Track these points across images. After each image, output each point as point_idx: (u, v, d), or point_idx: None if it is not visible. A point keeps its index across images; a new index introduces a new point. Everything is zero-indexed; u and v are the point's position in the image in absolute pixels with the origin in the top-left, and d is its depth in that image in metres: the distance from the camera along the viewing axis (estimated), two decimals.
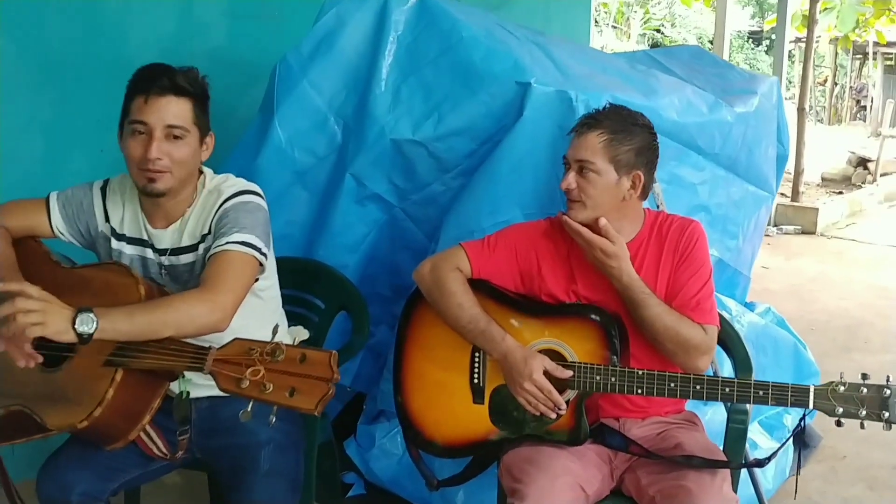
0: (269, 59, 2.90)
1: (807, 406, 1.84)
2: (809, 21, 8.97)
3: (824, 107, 24.01)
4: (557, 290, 2.13)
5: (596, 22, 24.60)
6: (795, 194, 9.14)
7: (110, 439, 1.77)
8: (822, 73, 24.68)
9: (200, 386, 1.93)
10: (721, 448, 2.12)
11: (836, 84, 24.27)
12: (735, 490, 2.04)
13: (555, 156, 2.58)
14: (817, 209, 8.81)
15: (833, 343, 5.07)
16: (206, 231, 1.97)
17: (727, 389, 1.89)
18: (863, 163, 11.37)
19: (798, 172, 9.15)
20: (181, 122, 1.90)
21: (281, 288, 2.20)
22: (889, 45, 18.50)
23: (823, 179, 11.28)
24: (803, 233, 8.62)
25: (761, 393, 1.86)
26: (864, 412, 1.79)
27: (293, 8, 3.42)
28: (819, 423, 3.42)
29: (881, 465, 3.42)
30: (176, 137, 1.90)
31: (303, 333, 1.57)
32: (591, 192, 2.06)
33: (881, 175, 11.16)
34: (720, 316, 2.18)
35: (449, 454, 2.23)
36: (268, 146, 2.76)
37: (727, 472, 2.01)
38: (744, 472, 2.54)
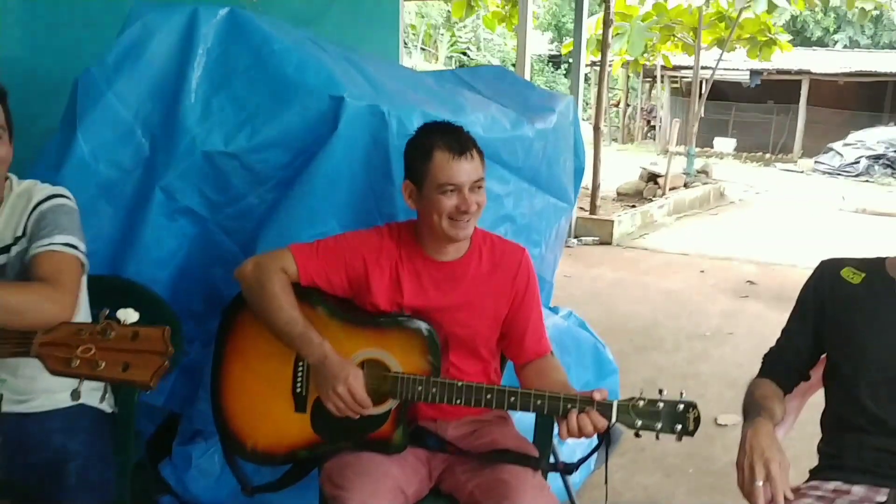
0: (69, 69, 2.77)
1: (610, 419, 1.93)
2: (603, 45, 9.58)
3: (618, 127, 25.59)
4: (381, 301, 2.16)
5: (405, 44, 25.08)
6: (593, 208, 9.72)
7: None
8: (616, 96, 26.32)
9: (8, 401, 1.84)
10: (531, 441, 2.25)
11: (628, 105, 25.95)
12: (545, 479, 2.16)
13: (369, 168, 2.65)
14: (613, 221, 9.41)
15: (631, 343, 5.45)
16: (19, 234, 1.94)
17: (538, 402, 1.96)
18: (653, 178, 12.25)
19: (595, 187, 9.74)
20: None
21: (89, 306, 2.14)
22: (675, 68, 20.06)
23: (619, 194, 12.05)
24: (601, 243, 9.18)
25: (569, 406, 1.93)
26: (659, 425, 1.89)
27: (93, 18, 3.29)
28: None
29: (676, 454, 3.71)
30: None
31: (133, 315, 1.55)
32: (482, 204, 2.14)
33: (670, 189, 12.06)
34: None
35: (268, 461, 2.22)
36: (70, 159, 2.63)
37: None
38: None
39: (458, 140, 2.11)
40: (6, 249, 1.96)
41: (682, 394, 1.94)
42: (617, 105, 26.15)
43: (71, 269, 1.88)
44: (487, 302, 2.21)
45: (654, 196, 11.73)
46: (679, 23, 13.80)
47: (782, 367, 2.18)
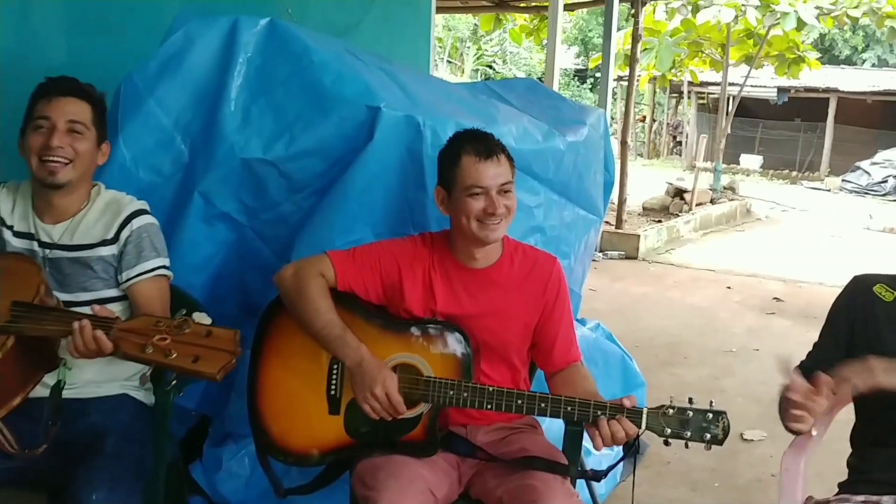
0: (110, 76, 2.84)
1: (639, 426, 1.94)
2: (631, 60, 9.60)
3: (644, 142, 25.53)
4: (415, 307, 2.21)
5: None
6: (619, 222, 9.73)
7: None
8: (642, 111, 26.26)
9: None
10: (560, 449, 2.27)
11: (654, 121, 25.86)
12: (574, 487, 2.18)
13: (404, 178, 2.69)
14: (639, 236, 9.41)
15: (656, 358, 5.44)
16: (109, 237, 2.22)
17: (569, 408, 1.99)
18: (679, 193, 12.23)
19: (621, 202, 9.75)
20: (81, 119, 2.16)
21: None
22: (702, 84, 20.00)
23: (644, 209, 12.04)
24: (627, 258, 9.18)
25: (599, 413, 1.96)
26: (689, 433, 1.91)
27: (134, 25, 3.37)
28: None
29: (701, 469, 3.71)
30: (77, 132, 2.15)
31: (206, 319, 1.70)
32: (512, 208, 2.19)
33: (696, 205, 12.03)
34: None
35: (302, 462, 2.26)
36: (111, 165, 2.67)
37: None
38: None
39: (484, 144, 2.18)
40: (91, 247, 2.21)
41: (711, 403, 1.96)
42: (643, 120, 26.08)
43: (166, 292, 2.28)
44: (519, 310, 2.24)
45: (680, 211, 11.72)
46: (707, 39, 13.79)
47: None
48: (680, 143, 24.83)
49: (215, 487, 2.84)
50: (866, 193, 18.48)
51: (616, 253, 9.21)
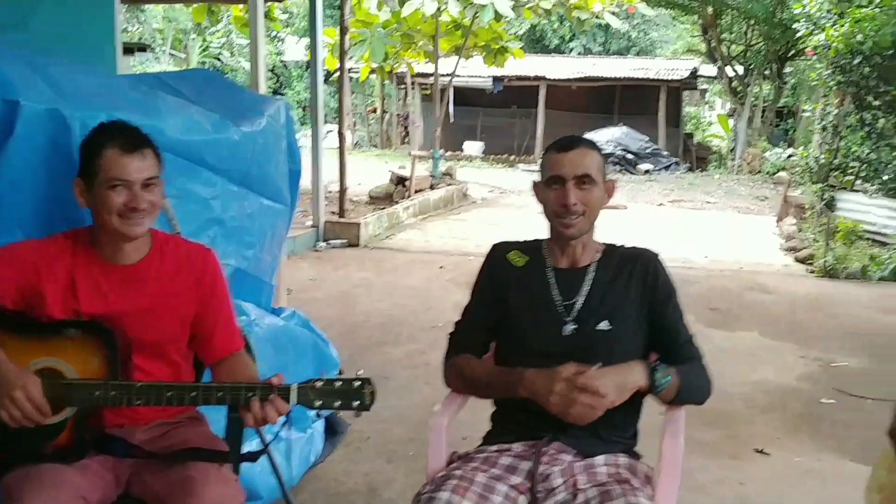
0: None
1: (290, 402, 1.98)
2: (340, 51, 9.75)
3: (378, 133, 26.05)
4: (56, 310, 2.12)
5: (152, 49, 24.02)
6: (342, 211, 9.89)
7: None
8: (373, 103, 26.73)
9: None
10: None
11: (385, 112, 26.43)
12: (237, 473, 2.21)
13: (53, 174, 2.57)
14: (359, 223, 9.61)
15: (369, 339, 5.63)
16: None
17: (220, 394, 2.00)
18: (401, 181, 12.66)
19: (343, 191, 9.91)
20: None
21: None
22: (421, 75, 20.70)
23: (371, 197, 12.35)
24: (349, 245, 9.36)
25: (250, 395, 1.97)
26: (338, 403, 1.97)
27: None
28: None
29: (399, 440, 3.88)
30: None
31: None
32: (157, 203, 2.15)
33: (416, 191, 12.51)
34: None
35: None
36: None
37: None
38: (266, 462, 2.75)
39: (130, 137, 2.14)
40: None
41: (357, 373, 2.06)
42: (374, 111, 26.58)
43: None
44: (173, 304, 2.22)
45: (401, 198, 12.10)
46: (418, 31, 14.27)
47: (472, 342, 2.38)
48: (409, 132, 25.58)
49: None
50: None
51: (339, 242, 9.35)
